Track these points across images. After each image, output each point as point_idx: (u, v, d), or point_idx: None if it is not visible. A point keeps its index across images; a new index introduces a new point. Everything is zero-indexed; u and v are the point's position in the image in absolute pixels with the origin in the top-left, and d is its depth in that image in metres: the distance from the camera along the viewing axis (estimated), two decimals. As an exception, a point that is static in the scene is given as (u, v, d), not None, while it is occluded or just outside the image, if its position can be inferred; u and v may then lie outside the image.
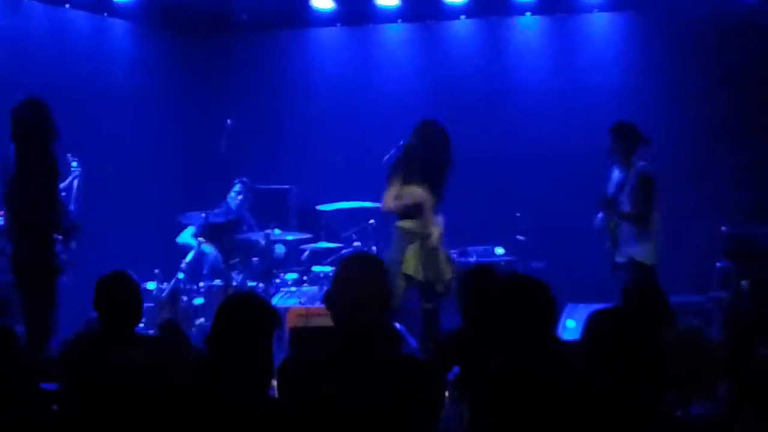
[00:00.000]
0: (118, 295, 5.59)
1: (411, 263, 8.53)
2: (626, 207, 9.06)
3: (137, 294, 5.77)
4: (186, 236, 11.12)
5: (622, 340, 3.80)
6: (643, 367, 3.77)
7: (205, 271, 10.83)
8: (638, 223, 9.00)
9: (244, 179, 11.12)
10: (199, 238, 10.86)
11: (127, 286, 5.69)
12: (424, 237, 8.61)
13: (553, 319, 4.78)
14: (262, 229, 10.80)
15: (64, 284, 9.27)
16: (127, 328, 5.58)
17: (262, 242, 10.68)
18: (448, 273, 8.70)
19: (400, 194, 8.60)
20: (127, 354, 3.57)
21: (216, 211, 10.87)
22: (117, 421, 3.19)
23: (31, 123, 7.94)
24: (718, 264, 10.39)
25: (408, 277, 8.50)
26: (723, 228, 10.55)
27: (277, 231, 10.66)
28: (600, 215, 9.22)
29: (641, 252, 9.00)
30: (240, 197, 11.10)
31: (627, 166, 9.06)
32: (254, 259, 10.75)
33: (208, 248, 10.91)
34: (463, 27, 12.78)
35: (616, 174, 9.14)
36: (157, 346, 5.62)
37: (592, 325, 3.95)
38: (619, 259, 9.14)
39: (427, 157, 8.76)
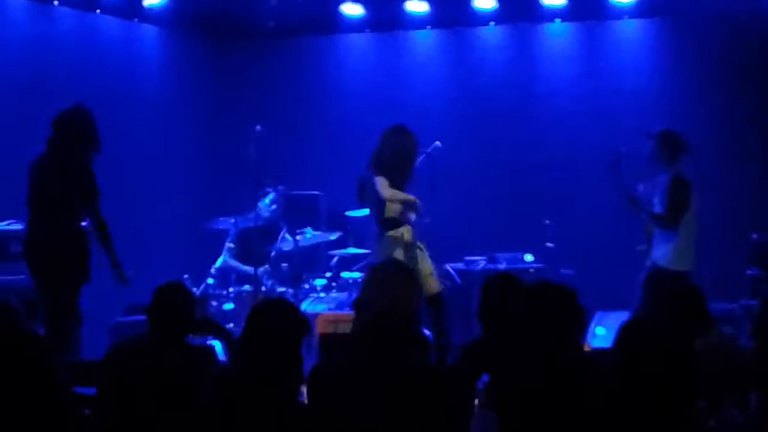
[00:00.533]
0: (175, 304, 5.60)
1: None
2: (658, 209, 9.03)
3: (193, 305, 5.80)
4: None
5: (654, 350, 3.78)
6: (676, 376, 3.75)
7: (233, 277, 10.84)
8: (662, 225, 8.97)
9: (280, 187, 11.06)
10: (228, 244, 10.89)
11: (184, 297, 5.71)
12: (408, 244, 8.70)
13: (581, 327, 4.76)
14: (293, 234, 10.77)
15: (92, 289, 9.34)
16: (179, 337, 5.59)
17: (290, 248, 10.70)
18: (427, 267, 8.82)
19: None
20: (173, 361, 3.59)
21: (246, 216, 10.84)
22: (150, 426, 3.20)
23: (73, 131, 8.10)
24: (748, 271, 10.34)
25: None
26: (753, 235, 10.50)
27: (308, 235, 10.68)
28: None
29: (664, 257, 8.96)
30: (274, 206, 11.03)
31: (665, 172, 9.04)
32: (284, 264, 10.74)
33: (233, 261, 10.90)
34: (492, 33, 12.75)
35: (660, 180, 9.10)
36: (199, 355, 5.63)
37: (625, 334, 3.93)
38: (648, 262, 9.11)
39: (386, 158, 8.80)
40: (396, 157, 8.78)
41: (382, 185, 8.68)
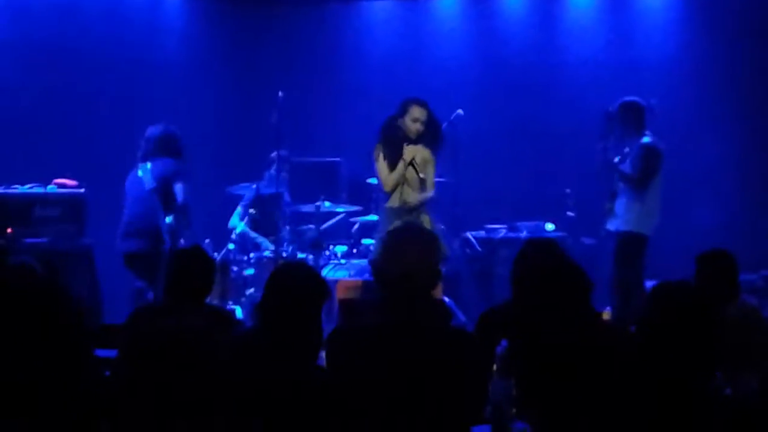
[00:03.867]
0: (195, 269, 5.67)
1: None
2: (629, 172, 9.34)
3: (213, 269, 5.87)
4: (235, 220, 11.11)
5: (686, 315, 3.77)
6: (702, 343, 3.74)
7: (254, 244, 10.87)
8: (634, 185, 9.22)
9: (282, 152, 10.96)
10: (239, 208, 10.96)
11: (203, 261, 5.78)
12: (406, 212, 8.53)
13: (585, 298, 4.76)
14: (312, 202, 10.76)
15: (115, 255, 9.43)
16: (197, 299, 5.67)
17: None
18: None
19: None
20: (187, 321, 3.59)
21: (264, 183, 10.85)
22: (167, 388, 3.22)
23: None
24: (770, 242, 10.36)
25: None
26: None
27: (327, 203, 10.66)
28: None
29: (630, 221, 9.28)
30: (283, 174, 11.01)
31: (636, 139, 9.34)
32: (305, 228, 10.77)
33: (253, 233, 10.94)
34: (517, 1, 12.70)
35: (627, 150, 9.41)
36: (220, 317, 5.70)
37: (657, 297, 3.92)
38: (610, 226, 9.32)
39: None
40: (384, 126, 8.74)
41: (377, 159, 8.69)
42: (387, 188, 8.66)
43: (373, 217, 10.64)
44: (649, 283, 8.67)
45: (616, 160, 9.32)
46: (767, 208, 10.57)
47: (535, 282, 4.95)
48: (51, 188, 9.62)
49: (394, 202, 8.62)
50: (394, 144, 8.65)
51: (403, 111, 8.68)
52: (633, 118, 9.32)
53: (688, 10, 12.09)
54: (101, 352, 4.68)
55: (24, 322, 3.52)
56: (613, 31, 12.31)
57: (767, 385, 4.55)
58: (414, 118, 8.62)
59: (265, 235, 10.64)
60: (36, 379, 3.48)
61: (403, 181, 8.63)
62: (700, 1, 11.96)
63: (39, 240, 9.25)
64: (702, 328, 3.79)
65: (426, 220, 8.56)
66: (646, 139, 9.26)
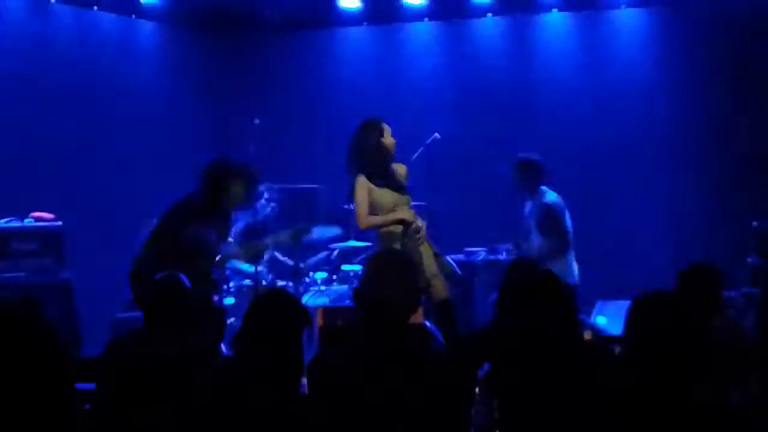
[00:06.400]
0: (171, 298, 5.63)
1: None
2: (535, 234, 9.56)
3: (189, 296, 5.82)
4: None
5: (670, 326, 3.76)
6: (688, 354, 3.73)
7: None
8: (557, 253, 9.43)
9: (270, 184, 10.95)
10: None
11: (180, 290, 5.74)
12: (408, 236, 8.24)
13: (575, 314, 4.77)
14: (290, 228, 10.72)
15: (93, 285, 9.35)
16: (175, 328, 5.62)
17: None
18: (431, 269, 8.29)
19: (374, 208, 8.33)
20: (170, 352, 3.57)
21: (244, 214, 10.79)
22: (147, 417, 3.19)
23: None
24: (749, 259, 10.36)
25: None
26: (753, 223, 10.51)
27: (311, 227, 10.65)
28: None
29: (565, 277, 9.20)
30: (273, 204, 10.95)
31: (533, 197, 9.63)
32: (284, 258, 10.73)
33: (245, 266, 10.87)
34: (489, 25, 12.75)
35: (528, 206, 9.72)
36: (198, 346, 5.65)
37: (639, 308, 3.91)
38: None
39: (355, 158, 8.42)
40: (363, 155, 8.38)
41: (358, 192, 8.36)
42: (361, 226, 8.41)
43: (353, 243, 10.63)
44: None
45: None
46: (747, 225, 10.58)
47: (525, 301, 4.96)
48: (28, 222, 9.58)
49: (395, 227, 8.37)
50: (382, 167, 8.42)
51: (379, 131, 8.36)
52: (529, 177, 9.59)
53: (662, 30, 12.15)
54: (81, 386, 4.66)
55: (3, 357, 3.49)
56: (588, 50, 12.36)
57: (748, 396, 4.56)
58: (390, 135, 8.40)
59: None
60: (16, 414, 3.45)
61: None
62: (675, 21, 12.00)
63: (17, 274, 9.21)
64: (687, 337, 3.78)
65: (426, 246, 8.48)
66: (542, 200, 9.51)
